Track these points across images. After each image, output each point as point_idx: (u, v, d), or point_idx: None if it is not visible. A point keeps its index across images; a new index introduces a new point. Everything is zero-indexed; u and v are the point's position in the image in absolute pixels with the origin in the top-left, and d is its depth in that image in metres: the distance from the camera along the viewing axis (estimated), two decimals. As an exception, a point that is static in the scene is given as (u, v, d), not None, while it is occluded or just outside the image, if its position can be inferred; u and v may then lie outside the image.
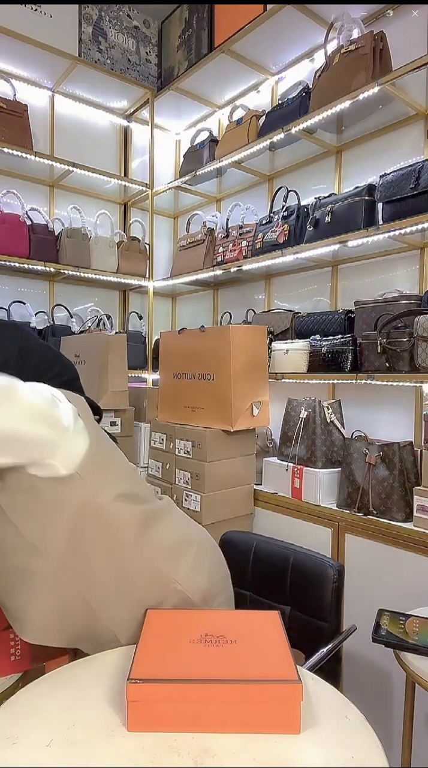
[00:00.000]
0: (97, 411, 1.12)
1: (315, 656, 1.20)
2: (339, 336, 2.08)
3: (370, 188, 2.00)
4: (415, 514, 1.70)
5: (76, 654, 1.10)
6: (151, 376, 3.10)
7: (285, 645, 0.88)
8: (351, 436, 2.06)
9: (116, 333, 2.59)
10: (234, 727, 0.78)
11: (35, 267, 2.62)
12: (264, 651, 0.87)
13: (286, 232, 2.30)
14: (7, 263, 2.54)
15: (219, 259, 2.65)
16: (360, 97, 1.97)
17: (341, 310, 2.21)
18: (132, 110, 3.26)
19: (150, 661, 0.83)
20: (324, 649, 1.22)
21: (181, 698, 0.78)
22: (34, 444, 0.88)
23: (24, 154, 2.58)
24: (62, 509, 0.92)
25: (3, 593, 0.98)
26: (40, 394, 0.91)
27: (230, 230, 2.64)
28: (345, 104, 2.03)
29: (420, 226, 1.81)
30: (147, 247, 3.07)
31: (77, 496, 0.92)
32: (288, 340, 2.30)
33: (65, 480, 0.91)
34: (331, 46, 2.16)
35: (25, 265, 2.59)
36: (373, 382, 1.90)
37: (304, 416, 2.06)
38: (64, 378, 1.09)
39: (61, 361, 1.12)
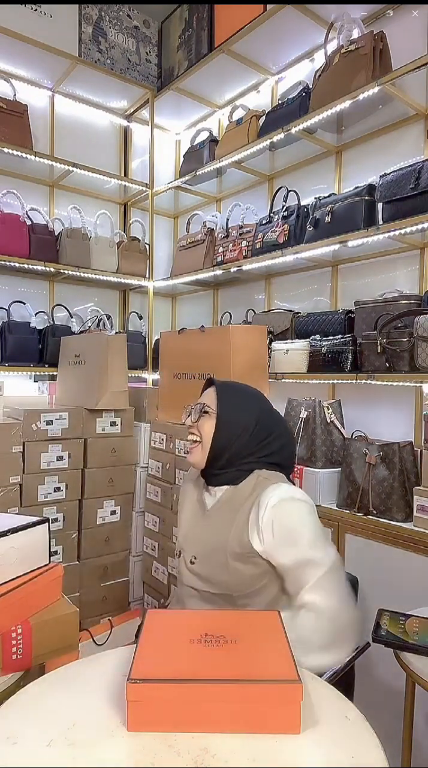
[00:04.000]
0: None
1: (327, 673, 1.18)
2: (339, 336, 2.08)
3: (370, 188, 2.00)
4: (415, 514, 1.70)
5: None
6: (151, 376, 3.10)
7: (285, 645, 0.88)
8: (351, 436, 2.05)
9: (116, 333, 2.59)
10: (234, 727, 0.78)
11: (35, 267, 2.62)
12: (264, 651, 0.87)
13: (286, 232, 2.30)
14: (7, 263, 2.54)
15: (219, 259, 2.64)
16: (360, 97, 1.97)
17: (341, 310, 2.21)
18: (132, 110, 3.26)
19: (150, 661, 0.83)
20: (338, 667, 1.22)
21: (181, 698, 0.78)
22: None
23: (24, 154, 2.58)
24: None
25: None
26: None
27: (230, 230, 2.64)
28: (345, 104, 2.03)
29: (420, 226, 1.81)
30: (147, 247, 3.06)
31: None
32: (288, 340, 2.30)
33: None
34: (331, 46, 2.16)
35: (25, 265, 2.59)
36: (373, 382, 1.90)
37: (304, 416, 2.06)
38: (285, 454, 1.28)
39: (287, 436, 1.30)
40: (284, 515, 1.11)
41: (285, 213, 2.35)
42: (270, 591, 1.15)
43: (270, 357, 2.29)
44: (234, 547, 1.13)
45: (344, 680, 1.26)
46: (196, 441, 1.23)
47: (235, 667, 0.82)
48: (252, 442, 1.21)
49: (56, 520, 2.19)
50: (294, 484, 1.25)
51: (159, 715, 0.78)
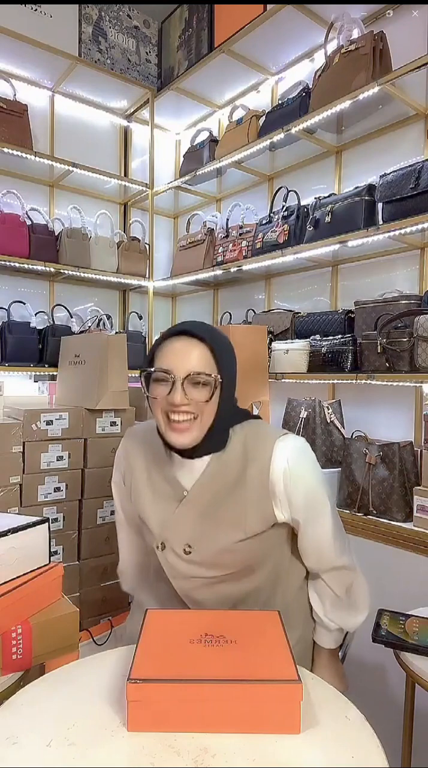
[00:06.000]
0: None
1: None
2: (339, 336, 2.08)
3: (370, 188, 2.00)
4: (415, 514, 1.70)
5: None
6: (151, 376, 3.09)
7: (285, 645, 0.88)
8: (351, 436, 2.05)
9: (116, 333, 2.59)
10: (234, 727, 0.78)
11: (35, 267, 2.62)
12: (264, 651, 0.87)
13: (286, 232, 2.30)
14: (7, 263, 2.54)
15: (219, 259, 2.64)
16: (360, 97, 1.97)
17: (341, 310, 2.21)
18: (132, 110, 3.26)
19: (150, 661, 0.83)
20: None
21: (181, 698, 0.78)
22: None
23: (24, 154, 2.57)
24: None
25: None
26: None
27: (230, 230, 2.63)
28: (345, 104, 2.03)
29: (420, 226, 1.81)
30: (147, 247, 3.06)
31: None
32: (288, 340, 2.30)
33: None
34: (331, 46, 2.16)
35: (25, 265, 2.59)
36: (373, 382, 1.90)
37: (304, 416, 2.06)
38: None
39: None
40: (300, 477, 1.02)
41: (285, 213, 2.35)
42: (277, 557, 1.10)
43: (270, 357, 2.29)
44: (254, 525, 1.00)
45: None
46: (189, 418, 0.97)
47: (235, 667, 0.82)
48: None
49: (56, 520, 2.19)
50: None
51: (159, 715, 0.78)
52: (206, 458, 1.03)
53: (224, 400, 0.99)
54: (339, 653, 1.22)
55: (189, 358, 0.95)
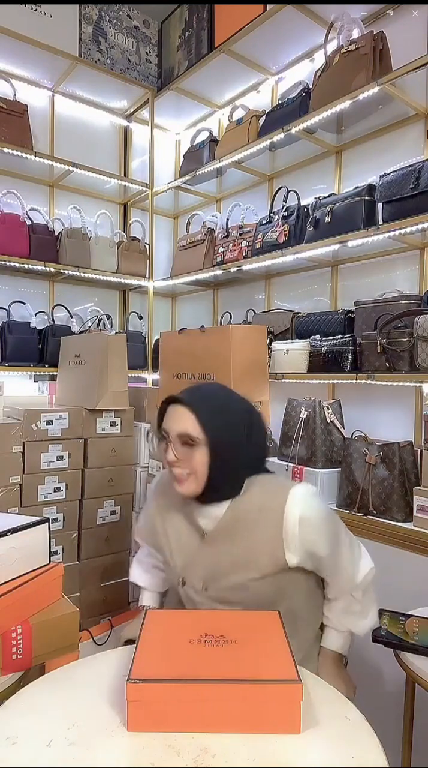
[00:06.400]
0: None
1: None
2: (339, 336, 2.08)
3: (370, 188, 2.00)
4: (415, 514, 1.70)
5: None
6: (151, 376, 3.10)
7: (285, 645, 0.88)
8: (351, 436, 2.05)
9: (116, 333, 2.59)
10: (234, 727, 0.78)
11: (35, 267, 2.62)
12: (264, 651, 0.87)
13: (286, 232, 2.30)
14: (7, 263, 2.54)
15: (219, 259, 2.64)
16: (360, 97, 1.97)
17: (341, 310, 2.21)
18: (132, 110, 3.26)
19: (150, 661, 0.83)
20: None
21: (181, 698, 0.78)
22: None
23: (24, 154, 2.57)
24: None
25: None
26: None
27: (230, 230, 2.63)
28: (345, 104, 2.03)
29: (420, 226, 1.81)
30: (147, 247, 3.06)
31: None
32: (288, 340, 2.30)
33: None
34: (331, 46, 2.16)
35: (25, 265, 2.59)
36: (373, 382, 1.90)
37: (304, 416, 2.06)
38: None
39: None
40: (312, 527, 1.08)
41: (285, 213, 2.35)
42: (291, 606, 1.13)
43: (270, 357, 2.29)
44: (266, 566, 1.08)
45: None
46: (186, 473, 1.09)
47: (235, 667, 0.82)
48: (245, 445, 1.12)
49: (56, 520, 2.19)
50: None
51: (159, 715, 0.78)
52: (226, 504, 1.12)
53: (218, 461, 1.08)
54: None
55: (179, 421, 1.08)
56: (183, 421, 1.08)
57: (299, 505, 1.07)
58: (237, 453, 1.11)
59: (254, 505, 1.10)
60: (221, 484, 1.11)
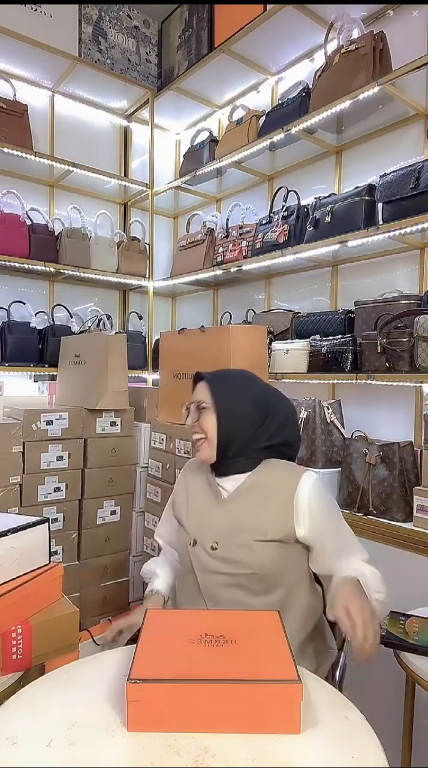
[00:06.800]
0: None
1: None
2: (339, 336, 2.08)
3: (370, 188, 2.00)
4: (415, 514, 1.70)
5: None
6: (151, 376, 3.10)
7: (285, 645, 0.88)
8: (351, 436, 2.05)
9: (116, 333, 2.59)
10: (234, 727, 0.78)
11: (35, 267, 2.62)
12: (264, 651, 0.87)
13: (286, 232, 2.30)
14: (7, 263, 2.54)
15: (219, 259, 2.64)
16: (360, 97, 1.97)
17: (341, 310, 2.21)
18: (132, 110, 3.26)
19: (150, 661, 0.83)
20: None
21: (181, 698, 0.78)
22: None
23: (24, 154, 2.58)
24: None
25: None
26: None
27: (230, 230, 2.63)
28: (345, 104, 2.03)
29: (420, 226, 1.81)
30: (147, 247, 3.06)
31: None
32: (288, 340, 2.30)
33: None
34: (331, 46, 2.16)
35: (25, 265, 2.59)
36: (373, 382, 1.90)
37: (304, 416, 2.06)
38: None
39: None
40: (321, 505, 1.20)
41: (285, 213, 2.35)
42: (292, 582, 1.18)
43: (270, 357, 2.29)
44: (274, 531, 1.16)
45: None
46: (201, 438, 1.24)
47: (235, 667, 0.82)
48: (257, 422, 1.23)
49: (56, 520, 2.19)
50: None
51: (159, 715, 0.78)
52: (243, 476, 1.24)
53: (225, 425, 1.22)
54: (338, 671, 1.21)
55: (197, 392, 1.28)
56: (200, 391, 1.26)
57: (310, 485, 1.20)
58: (244, 425, 1.22)
59: (270, 478, 1.23)
60: (233, 454, 1.23)
